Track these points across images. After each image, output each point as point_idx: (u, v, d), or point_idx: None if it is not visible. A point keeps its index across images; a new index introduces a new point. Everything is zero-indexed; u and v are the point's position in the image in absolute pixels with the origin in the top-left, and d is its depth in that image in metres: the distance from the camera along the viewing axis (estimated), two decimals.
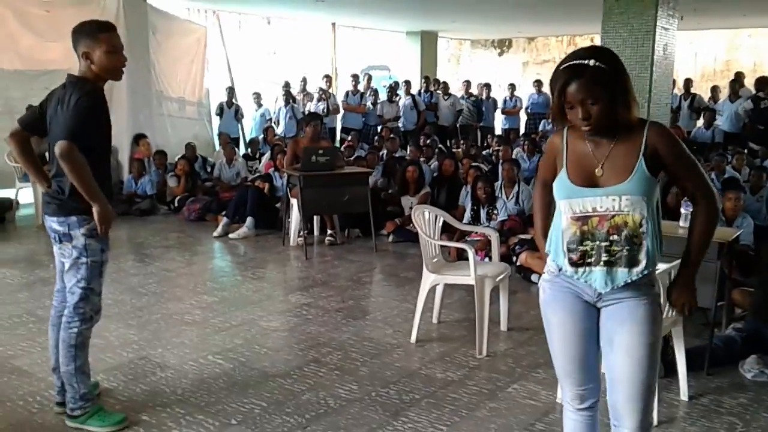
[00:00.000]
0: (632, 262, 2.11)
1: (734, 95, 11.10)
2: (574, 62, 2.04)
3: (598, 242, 2.12)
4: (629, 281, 2.12)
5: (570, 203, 2.16)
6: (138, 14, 9.63)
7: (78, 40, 2.99)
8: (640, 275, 2.12)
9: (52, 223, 3.09)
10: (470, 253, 4.12)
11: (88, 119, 2.91)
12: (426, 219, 4.39)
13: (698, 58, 16.44)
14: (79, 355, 3.11)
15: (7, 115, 8.36)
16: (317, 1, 11.23)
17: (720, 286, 3.97)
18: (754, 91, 10.87)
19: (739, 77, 11.70)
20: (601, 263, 2.13)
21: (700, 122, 11.32)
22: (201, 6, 12.63)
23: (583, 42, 18.22)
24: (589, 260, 2.14)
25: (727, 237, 4.03)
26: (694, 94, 11.88)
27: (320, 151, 6.53)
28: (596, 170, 2.13)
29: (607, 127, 2.10)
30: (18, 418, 3.24)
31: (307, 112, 11.52)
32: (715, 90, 12.29)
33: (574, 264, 2.17)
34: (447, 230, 5.76)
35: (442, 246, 4.65)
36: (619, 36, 6.12)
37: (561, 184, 2.20)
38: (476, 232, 6.08)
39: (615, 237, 2.10)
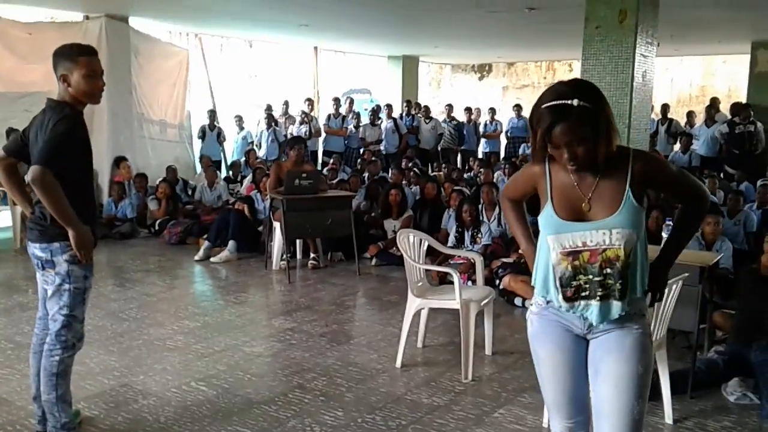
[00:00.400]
0: (625, 294, 2.10)
1: (710, 120, 11.31)
2: (558, 102, 2.00)
3: (591, 276, 2.10)
4: (623, 314, 2.12)
5: (559, 238, 2.13)
6: (120, 37, 9.62)
7: (57, 62, 2.98)
8: (633, 304, 2.12)
9: (35, 250, 3.05)
10: (455, 278, 4.12)
11: (63, 144, 2.87)
12: (411, 243, 4.40)
13: (674, 83, 16.74)
14: (60, 383, 3.06)
15: None
16: (300, 26, 11.29)
17: (702, 309, 4.02)
18: (729, 116, 11.09)
19: (714, 102, 11.94)
20: (597, 297, 2.11)
21: (677, 147, 11.51)
22: (183, 29, 12.66)
23: (562, 67, 18.49)
24: (584, 294, 2.12)
25: (707, 261, 4.09)
26: (671, 119, 12.09)
27: (304, 175, 6.54)
28: (583, 204, 2.11)
29: (592, 163, 2.08)
30: None
31: (289, 135, 11.55)
32: (690, 115, 12.53)
33: (568, 299, 2.15)
34: (430, 254, 5.77)
35: (426, 269, 4.65)
36: (599, 63, 6.21)
37: (548, 219, 2.16)
38: (459, 256, 6.10)
39: (608, 270, 2.09)
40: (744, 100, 11.89)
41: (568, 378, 2.23)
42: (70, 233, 2.93)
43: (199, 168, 10.96)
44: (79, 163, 3.02)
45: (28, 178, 2.84)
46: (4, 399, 3.69)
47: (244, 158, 11.33)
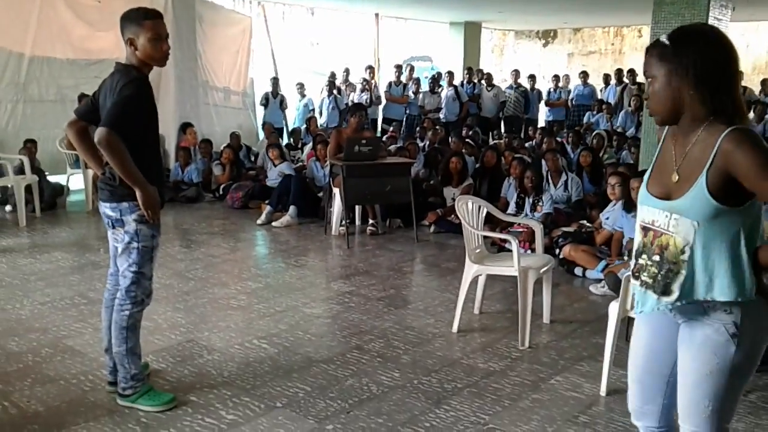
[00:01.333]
0: (664, 290, 1.89)
1: None
2: (658, 38, 1.91)
3: (648, 259, 1.93)
4: (657, 309, 1.93)
5: (641, 210, 1.98)
6: (185, 4, 9.77)
7: (124, 26, 3.05)
8: (669, 306, 1.90)
9: (106, 209, 3.17)
10: (514, 245, 4.10)
11: (130, 107, 2.95)
12: (469, 209, 4.39)
13: (750, 50, 16.00)
14: (130, 336, 3.19)
15: (60, 103, 8.65)
16: None
17: None
18: None
19: None
20: (642, 283, 1.96)
21: (751, 116, 11.04)
22: None
23: (631, 33, 17.90)
24: (643, 275, 1.96)
25: None
26: (746, 87, 11.57)
27: (363, 142, 6.57)
28: (672, 175, 1.90)
29: (673, 119, 1.89)
30: (71, 396, 3.35)
31: (349, 103, 11.58)
32: (765, 83, 11.98)
33: (633, 274, 2.01)
34: (489, 221, 5.75)
35: (485, 237, 4.63)
36: (670, 27, 5.92)
37: (642, 186, 2.02)
38: (519, 224, 6.04)
39: (657, 258, 1.90)
40: None
41: (647, 361, 2.09)
42: (138, 193, 3.02)
43: (261, 135, 11.12)
44: (146, 126, 3.11)
45: (95, 139, 2.94)
46: (77, 351, 3.89)
47: (305, 125, 11.44)
